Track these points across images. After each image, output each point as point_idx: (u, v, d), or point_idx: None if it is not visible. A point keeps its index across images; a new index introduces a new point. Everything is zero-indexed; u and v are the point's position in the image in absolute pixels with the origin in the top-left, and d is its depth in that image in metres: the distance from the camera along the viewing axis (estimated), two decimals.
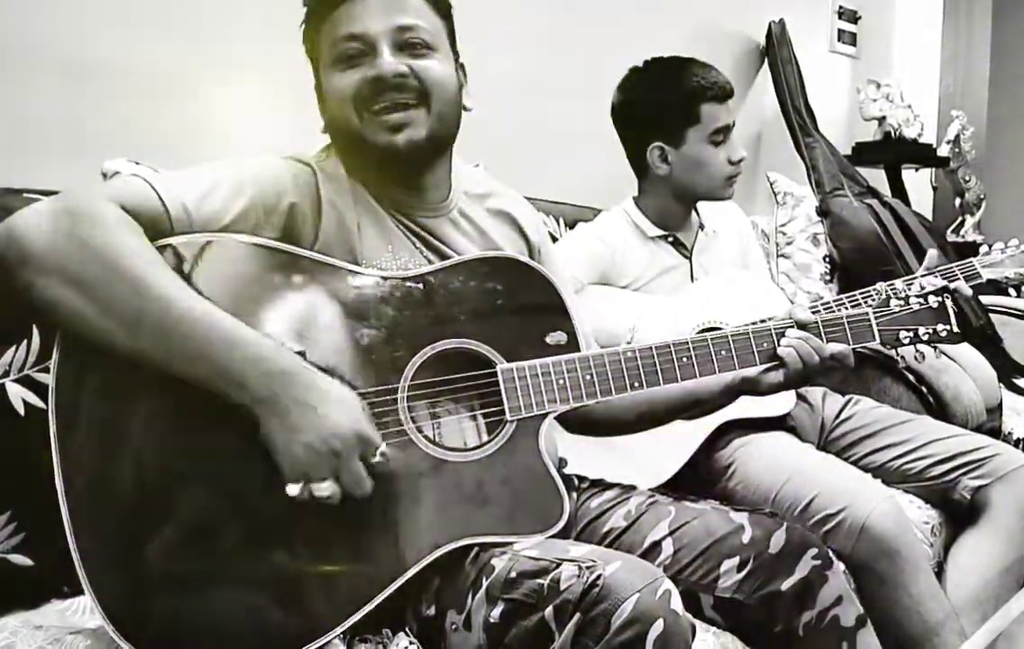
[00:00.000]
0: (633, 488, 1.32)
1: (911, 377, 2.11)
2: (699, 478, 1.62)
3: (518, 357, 1.15)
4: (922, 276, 1.42)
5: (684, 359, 1.21)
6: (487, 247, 1.27)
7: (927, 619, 1.44)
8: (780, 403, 1.71)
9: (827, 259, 2.74)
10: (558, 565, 0.99)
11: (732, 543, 1.18)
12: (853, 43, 3.57)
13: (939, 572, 1.62)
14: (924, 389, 2.09)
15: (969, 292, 1.31)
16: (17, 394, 1.20)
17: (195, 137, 1.66)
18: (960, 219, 3.65)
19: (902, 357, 1.41)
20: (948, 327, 1.30)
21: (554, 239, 1.92)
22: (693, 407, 1.32)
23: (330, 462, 0.98)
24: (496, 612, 1.01)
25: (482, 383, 1.14)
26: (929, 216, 3.58)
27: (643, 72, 1.84)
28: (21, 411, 1.20)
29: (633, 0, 2.59)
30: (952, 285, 1.32)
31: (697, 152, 1.79)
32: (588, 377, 1.17)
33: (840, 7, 3.49)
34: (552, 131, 2.32)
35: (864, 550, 1.44)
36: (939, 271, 1.78)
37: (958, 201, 3.66)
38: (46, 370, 1.00)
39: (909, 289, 1.31)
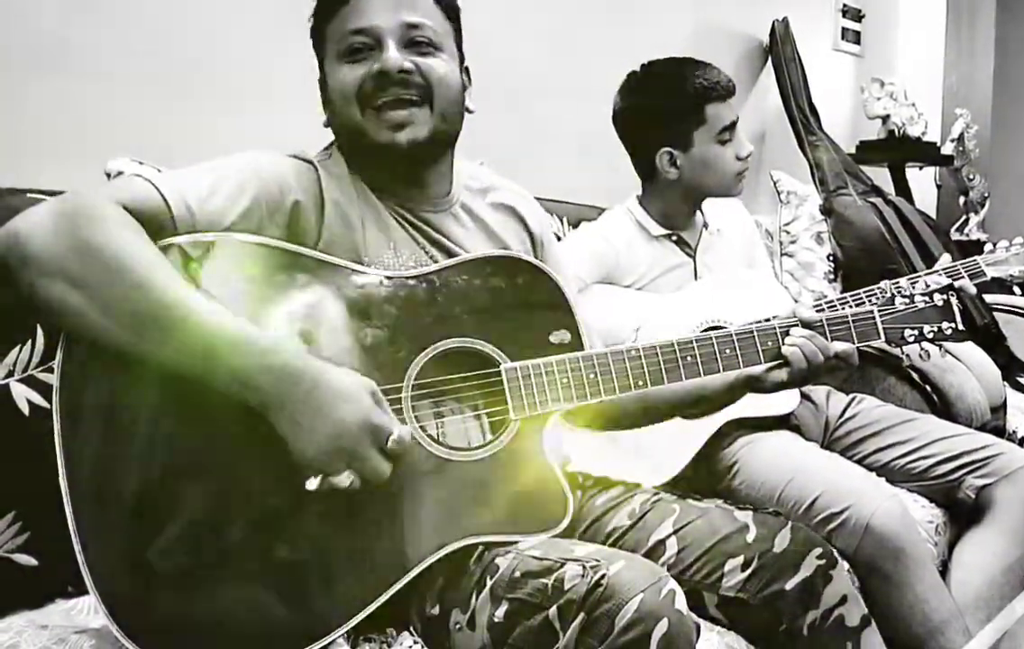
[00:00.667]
0: (637, 486, 1.32)
1: (915, 376, 2.10)
2: (703, 476, 1.62)
3: (522, 356, 1.15)
4: (926, 275, 1.42)
5: (688, 358, 1.21)
6: (489, 241, 1.27)
7: (931, 618, 1.44)
8: (784, 402, 1.71)
9: (831, 258, 2.74)
10: (562, 564, 0.99)
11: (736, 542, 1.18)
12: (857, 41, 3.56)
13: (943, 571, 1.62)
14: (928, 388, 2.09)
15: (974, 290, 1.31)
16: (21, 394, 1.20)
17: (199, 136, 1.66)
18: (964, 217, 3.65)
19: (907, 356, 1.41)
20: (953, 325, 1.30)
21: (558, 238, 1.92)
22: (698, 404, 1.32)
23: (343, 456, 0.98)
24: (500, 611, 1.01)
25: (486, 382, 1.14)
26: (933, 214, 3.57)
27: (643, 77, 1.83)
28: (25, 411, 1.20)
29: None
30: (957, 283, 1.32)
31: (705, 153, 1.78)
32: (592, 376, 1.16)
33: (844, 5, 3.49)
34: (555, 130, 2.32)
35: (868, 549, 1.44)
36: (943, 270, 1.78)
37: (962, 199, 3.65)
38: (50, 370, 1.01)
39: (914, 287, 1.31)
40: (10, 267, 0.96)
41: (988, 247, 1.89)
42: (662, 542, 1.21)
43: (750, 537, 1.18)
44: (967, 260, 1.83)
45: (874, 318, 1.28)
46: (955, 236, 3.51)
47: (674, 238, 1.86)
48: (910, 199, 3.17)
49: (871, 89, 3.33)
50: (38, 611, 1.15)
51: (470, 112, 1.26)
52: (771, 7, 3.10)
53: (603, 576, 0.95)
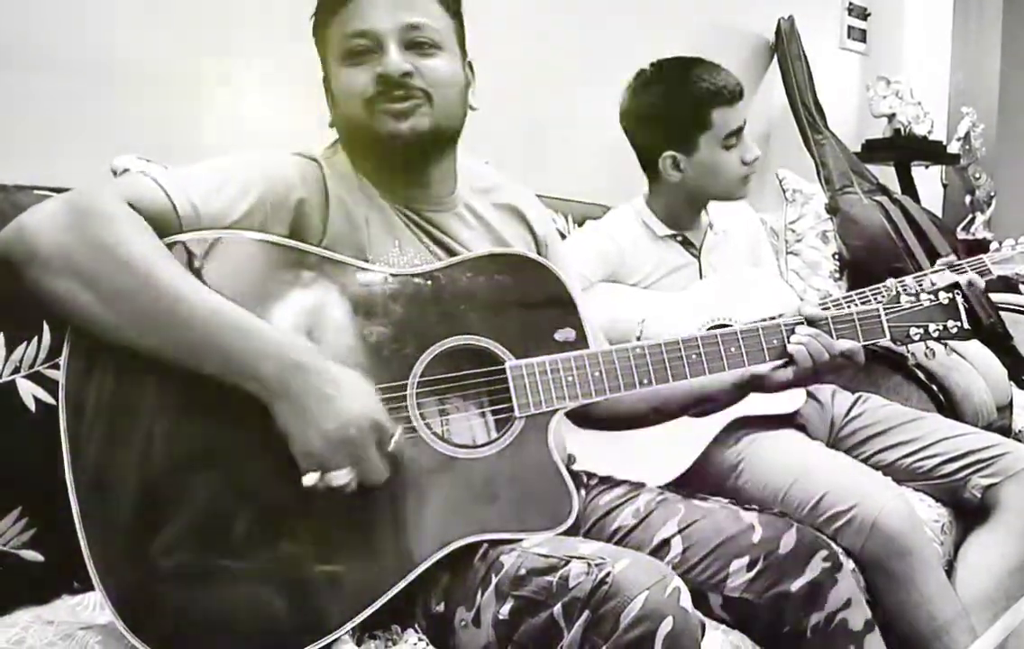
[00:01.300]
0: (642, 485, 1.32)
1: (921, 375, 2.10)
2: (708, 475, 1.62)
3: (527, 354, 1.15)
4: (933, 273, 1.42)
5: (693, 356, 1.20)
6: (493, 241, 1.27)
7: (937, 617, 1.44)
8: (789, 401, 1.70)
9: (836, 256, 2.73)
10: (567, 562, 0.99)
11: (742, 542, 1.18)
12: (863, 40, 3.56)
13: (949, 571, 1.62)
14: (934, 387, 2.08)
15: (983, 284, 1.31)
16: (28, 390, 1.20)
17: (204, 134, 1.67)
18: (970, 216, 3.63)
19: (912, 354, 1.41)
20: (959, 323, 1.30)
21: (562, 236, 1.91)
22: (703, 402, 1.32)
23: (346, 451, 0.98)
24: (505, 609, 1.01)
25: (491, 380, 1.14)
26: (939, 213, 3.56)
27: (650, 77, 1.82)
28: (32, 407, 1.20)
29: None
30: (965, 276, 1.32)
31: (710, 158, 1.77)
32: (597, 374, 1.16)
33: (850, 3, 3.48)
34: (560, 128, 2.32)
35: (874, 548, 1.43)
36: (950, 266, 1.77)
37: (968, 198, 3.64)
38: (56, 366, 1.01)
39: (920, 286, 1.31)
40: (16, 263, 0.97)
41: (994, 246, 1.88)
42: (667, 541, 1.21)
43: (756, 537, 1.18)
44: (973, 258, 1.83)
45: (879, 316, 1.28)
46: (961, 235, 3.50)
47: (679, 238, 1.85)
48: (916, 198, 3.16)
49: (877, 87, 3.32)
50: (44, 607, 1.15)
51: (473, 109, 1.26)
52: (777, 5, 3.09)
53: (608, 574, 0.95)
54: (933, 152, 3.46)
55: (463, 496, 1.08)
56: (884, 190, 2.88)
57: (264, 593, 0.99)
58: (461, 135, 1.25)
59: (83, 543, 0.95)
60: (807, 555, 1.16)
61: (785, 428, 1.70)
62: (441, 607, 1.08)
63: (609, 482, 1.33)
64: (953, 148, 3.56)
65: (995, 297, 2.59)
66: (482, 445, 1.12)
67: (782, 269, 2.67)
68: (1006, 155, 3.94)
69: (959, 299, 1.30)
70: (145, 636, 0.95)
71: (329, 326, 1.07)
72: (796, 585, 1.15)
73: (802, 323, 1.25)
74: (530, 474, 1.12)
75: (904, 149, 3.34)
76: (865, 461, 1.71)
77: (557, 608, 0.97)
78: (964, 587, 1.57)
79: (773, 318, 1.28)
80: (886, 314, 1.28)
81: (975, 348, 2.20)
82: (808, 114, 3.02)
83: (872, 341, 1.28)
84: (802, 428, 1.75)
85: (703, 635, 0.99)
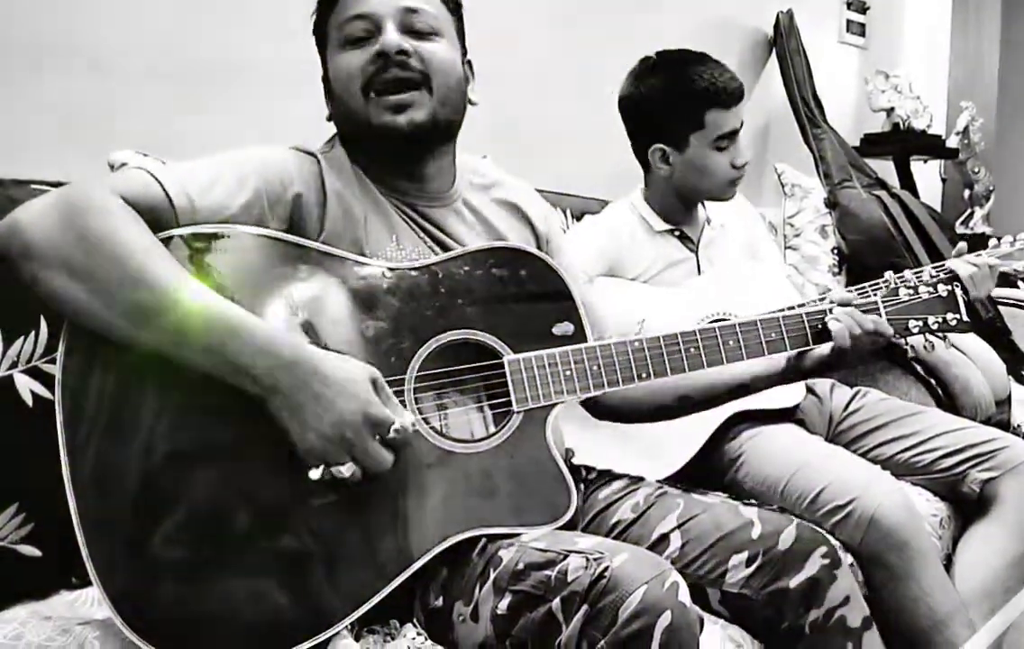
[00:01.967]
0: (641, 480, 1.32)
1: (920, 369, 2.10)
2: (707, 469, 1.62)
3: (525, 348, 1.14)
4: (932, 268, 1.42)
5: (692, 350, 1.20)
6: (491, 238, 1.27)
7: (936, 611, 1.44)
8: (789, 395, 1.70)
9: (835, 251, 2.73)
10: (565, 557, 0.99)
11: (741, 538, 1.18)
12: (862, 34, 3.55)
13: (948, 565, 1.62)
14: (933, 381, 2.08)
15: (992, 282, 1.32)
16: (25, 385, 1.20)
17: (201, 130, 1.66)
18: (969, 211, 3.63)
19: (911, 347, 1.41)
20: (958, 315, 1.30)
21: (562, 230, 1.91)
22: (746, 391, 1.35)
23: (344, 447, 0.98)
24: (503, 603, 1.01)
25: (489, 374, 1.13)
26: (938, 208, 3.56)
27: (651, 67, 1.81)
28: (29, 402, 1.20)
29: None
30: (964, 270, 1.32)
31: (699, 157, 1.77)
32: (595, 368, 1.16)
33: None
34: (558, 122, 2.31)
35: (873, 542, 1.43)
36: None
37: (967, 193, 3.64)
38: (53, 361, 1.00)
39: (919, 279, 1.31)
40: (12, 258, 0.97)
41: (993, 241, 1.88)
42: (666, 536, 1.21)
43: (755, 533, 1.18)
44: (972, 254, 1.82)
45: (879, 308, 1.28)
46: (960, 229, 3.49)
47: (677, 233, 1.85)
48: (915, 192, 3.16)
49: (876, 81, 3.32)
50: (42, 602, 1.15)
51: (472, 104, 1.25)
52: None
53: (606, 568, 0.95)
54: (932, 146, 3.46)
55: (461, 491, 1.08)
56: (883, 184, 2.88)
57: (262, 588, 0.99)
58: (459, 130, 1.25)
59: (80, 539, 0.95)
60: (806, 552, 1.16)
61: (784, 423, 1.70)
62: (439, 601, 1.08)
63: (608, 476, 1.33)
64: (952, 142, 3.56)
65: (994, 292, 2.59)
66: (480, 439, 1.12)
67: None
68: (1005, 149, 3.94)
69: (958, 291, 1.30)
70: (143, 632, 0.94)
71: (327, 320, 1.07)
72: (795, 581, 1.14)
73: (800, 318, 1.25)
74: (528, 468, 1.12)
75: (903, 143, 3.34)
76: (864, 455, 1.71)
77: (556, 602, 0.96)
78: (962, 581, 1.57)
79: (792, 308, 1.29)
80: (885, 307, 1.28)
81: (974, 343, 2.20)
82: (807, 108, 3.02)
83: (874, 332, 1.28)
84: (801, 423, 1.75)
85: (701, 630, 0.99)
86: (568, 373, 1.15)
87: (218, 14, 1.76)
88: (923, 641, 1.44)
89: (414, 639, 1.08)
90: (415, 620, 1.11)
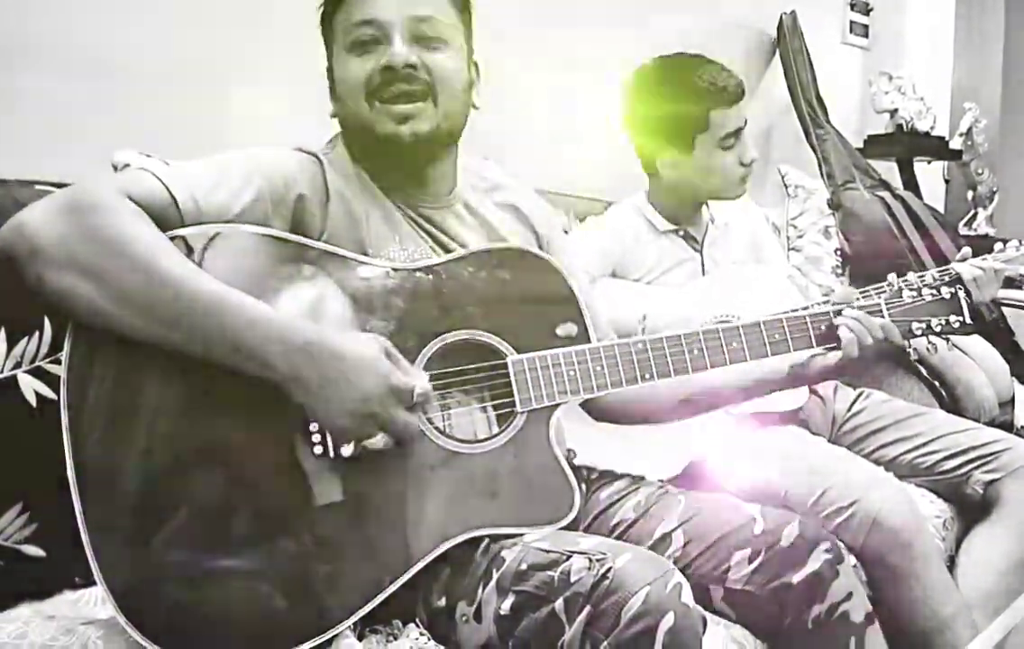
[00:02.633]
0: (642, 479, 1.32)
1: (923, 370, 2.10)
2: (709, 470, 1.61)
3: (528, 348, 1.15)
4: (936, 271, 1.42)
5: (695, 350, 1.20)
6: (492, 240, 1.27)
7: (939, 612, 1.44)
8: (792, 397, 1.70)
9: (838, 252, 2.72)
10: (568, 557, 0.99)
11: (743, 534, 1.18)
12: (865, 35, 3.54)
13: (951, 566, 1.62)
14: (936, 383, 2.08)
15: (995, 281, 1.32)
16: (29, 385, 1.20)
17: (203, 130, 1.66)
18: (972, 212, 3.62)
19: (914, 349, 1.41)
20: (960, 318, 1.30)
21: (564, 233, 1.91)
22: (742, 398, 1.35)
23: (375, 421, 1.00)
24: (506, 604, 1.01)
25: (492, 374, 1.14)
26: (941, 209, 3.55)
27: (651, 72, 1.81)
28: (33, 402, 1.20)
29: None
30: (967, 272, 1.32)
31: (706, 158, 1.76)
32: (599, 368, 1.16)
33: None
34: (561, 123, 2.31)
35: (876, 543, 1.43)
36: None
37: (971, 194, 3.63)
38: (58, 361, 1.01)
39: (922, 281, 1.31)
40: (18, 259, 0.97)
41: (998, 246, 1.88)
42: (668, 535, 1.21)
43: (758, 529, 1.17)
44: (977, 258, 1.82)
45: (882, 311, 1.28)
46: (963, 231, 3.49)
47: (681, 233, 1.85)
48: (918, 193, 3.15)
49: (879, 83, 3.31)
50: (46, 601, 1.15)
51: (476, 108, 1.25)
52: (779, 0, 3.08)
53: (609, 569, 0.95)
54: (935, 148, 3.45)
55: (464, 491, 1.08)
56: (886, 186, 2.88)
57: (266, 588, 0.99)
58: (462, 134, 1.25)
59: (85, 538, 0.95)
60: (809, 547, 1.16)
61: (788, 425, 1.69)
62: (442, 602, 1.08)
63: (610, 476, 1.33)
64: (955, 144, 3.55)
65: (998, 294, 2.59)
66: (483, 439, 1.12)
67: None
68: (1008, 151, 3.92)
69: (961, 294, 1.30)
70: (147, 631, 0.95)
71: (330, 321, 1.07)
72: (798, 577, 1.14)
73: (804, 320, 1.25)
74: (531, 468, 1.12)
75: (906, 145, 3.33)
76: (867, 457, 1.71)
77: (558, 603, 0.97)
78: (966, 583, 1.56)
79: (796, 310, 1.29)
80: (888, 309, 1.28)
81: (978, 345, 2.19)
82: (810, 109, 3.01)
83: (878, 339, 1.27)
84: (804, 424, 1.75)
85: (704, 631, 0.99)
86: (572, 373, 1.15)
87: (220, 14, 1.76)
88: (926, 642, 1.44)
89: (417, 639, 1.08)
90: (418, 620, 1.11)
